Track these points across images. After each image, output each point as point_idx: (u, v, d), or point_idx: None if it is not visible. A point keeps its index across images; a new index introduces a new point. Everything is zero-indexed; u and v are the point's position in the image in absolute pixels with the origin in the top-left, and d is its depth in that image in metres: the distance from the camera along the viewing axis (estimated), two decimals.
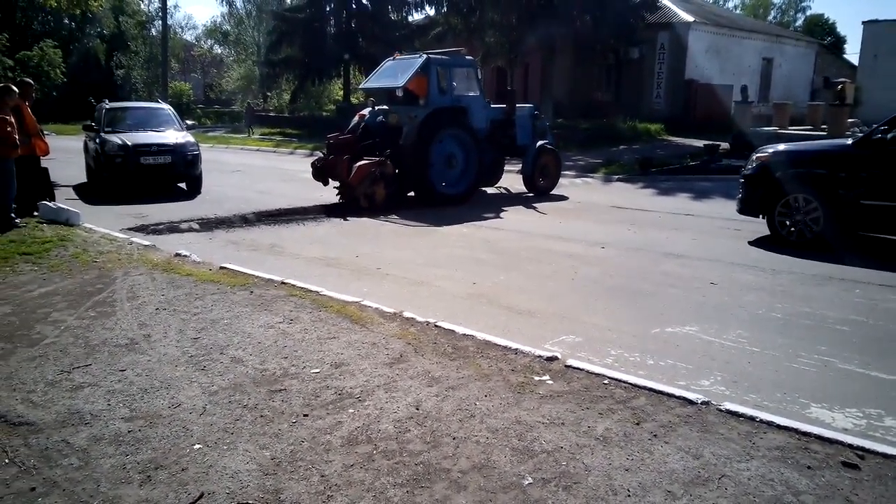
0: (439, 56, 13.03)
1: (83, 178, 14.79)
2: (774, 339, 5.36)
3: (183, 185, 14.08)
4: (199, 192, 13.65)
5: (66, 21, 48.74)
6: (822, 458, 3.38)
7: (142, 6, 55.71)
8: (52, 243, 8.07)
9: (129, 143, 12.99)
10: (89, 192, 13.57)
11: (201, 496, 3.04)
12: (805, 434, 3.61)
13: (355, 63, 34.80)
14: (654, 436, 3.60)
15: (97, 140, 13.48)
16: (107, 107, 14.77)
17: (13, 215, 9.05)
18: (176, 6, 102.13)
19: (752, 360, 4.94)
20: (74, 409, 3.89)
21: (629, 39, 26.21)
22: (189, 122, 16.45)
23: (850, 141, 8.77)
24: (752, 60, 31.49)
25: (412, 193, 12.59)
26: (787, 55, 33.85)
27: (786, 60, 33.57)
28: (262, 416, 3.81)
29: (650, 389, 4.16)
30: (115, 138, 13.16)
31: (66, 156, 18.09)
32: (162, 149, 13.30)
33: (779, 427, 3.68)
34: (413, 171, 12.05)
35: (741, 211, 9.48)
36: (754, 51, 32.03)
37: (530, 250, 8.75)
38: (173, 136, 13.96)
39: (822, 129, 18.98)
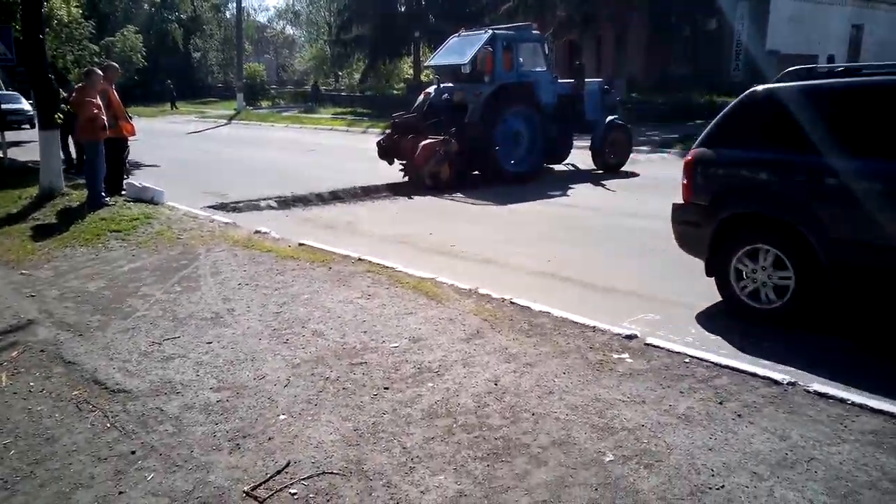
0: (505, 31, 12.84)
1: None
2: (865, 321, 5.13)
3: None
4: None
5: (146, 7, 50.51)
6: None
7: None
8: (139, 221, 8.41)
9: None
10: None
11: (287, 465, 3.15)
12: None
13: (426, 41, 34.74)
14: (738, 416, 3.51)
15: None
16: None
17: (103, 194, 9.48)
18: None
19: (841, 342, 4.75)
20: (166, 378, 4.08)
21: (706, 9, 25.27)
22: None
23: None
24: (839, 28, 29.86)
25: (477, 172, 12.47)
26: (879, 21, 31.90)
27: (878, 27, 31.64)
28: (343, 388, 3.90)
29: (733, 368, 4.05)
30: None
31: (148, 138, 18.79)
32: None
33: (872, 410, 3.53)
34: (478, 148, 11.86)
35: None
36: (842, 17, 30.34)
37: (604, 227, 8.61)
38: None
39: None
